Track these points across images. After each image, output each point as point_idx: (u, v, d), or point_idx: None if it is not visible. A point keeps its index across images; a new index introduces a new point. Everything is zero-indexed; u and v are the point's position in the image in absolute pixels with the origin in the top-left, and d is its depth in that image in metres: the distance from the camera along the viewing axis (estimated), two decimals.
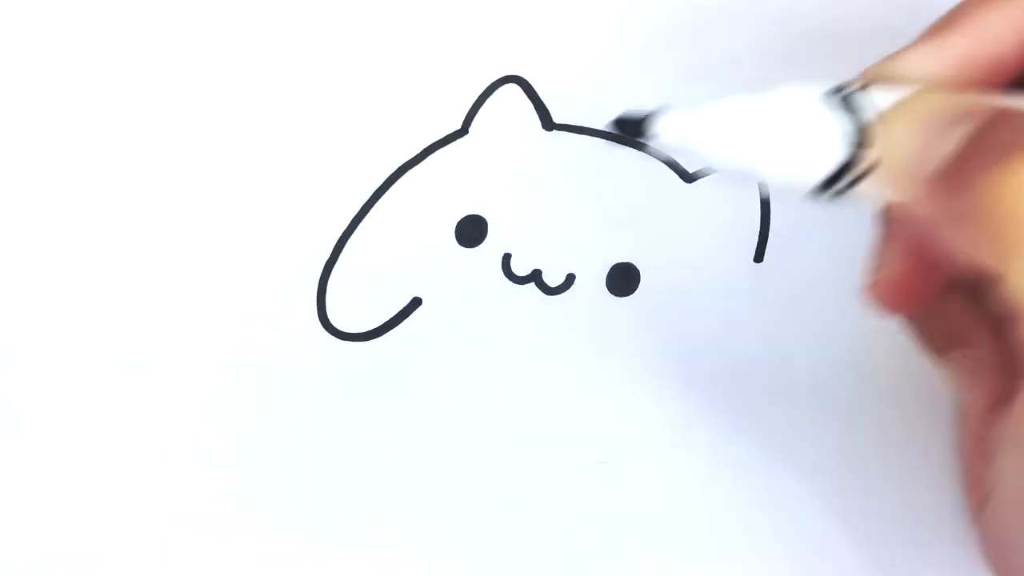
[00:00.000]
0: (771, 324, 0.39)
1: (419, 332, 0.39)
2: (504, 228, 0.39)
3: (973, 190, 0.26)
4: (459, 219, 0.39)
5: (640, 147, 0.39)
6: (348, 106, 0.39)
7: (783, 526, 0.38)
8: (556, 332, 0.39)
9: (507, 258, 0.39)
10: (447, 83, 0.39)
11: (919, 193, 0.27)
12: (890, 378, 0.39)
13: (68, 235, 0.39)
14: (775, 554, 0.38)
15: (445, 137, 0.39)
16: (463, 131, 0.39)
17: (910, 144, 0.27)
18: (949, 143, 0.27)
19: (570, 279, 0.39)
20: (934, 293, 0.31)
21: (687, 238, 0.39)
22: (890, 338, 0.39)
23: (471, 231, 0.39)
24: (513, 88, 0.39)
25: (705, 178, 0.39)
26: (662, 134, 0.29)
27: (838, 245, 0.39)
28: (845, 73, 0.30)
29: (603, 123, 0.39)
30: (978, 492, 0.35)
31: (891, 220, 0.31)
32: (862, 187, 0.28)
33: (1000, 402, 0.32)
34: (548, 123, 0.39)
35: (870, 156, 0.28)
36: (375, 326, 0.39)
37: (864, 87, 0.29)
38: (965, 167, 0.27)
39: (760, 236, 0.39)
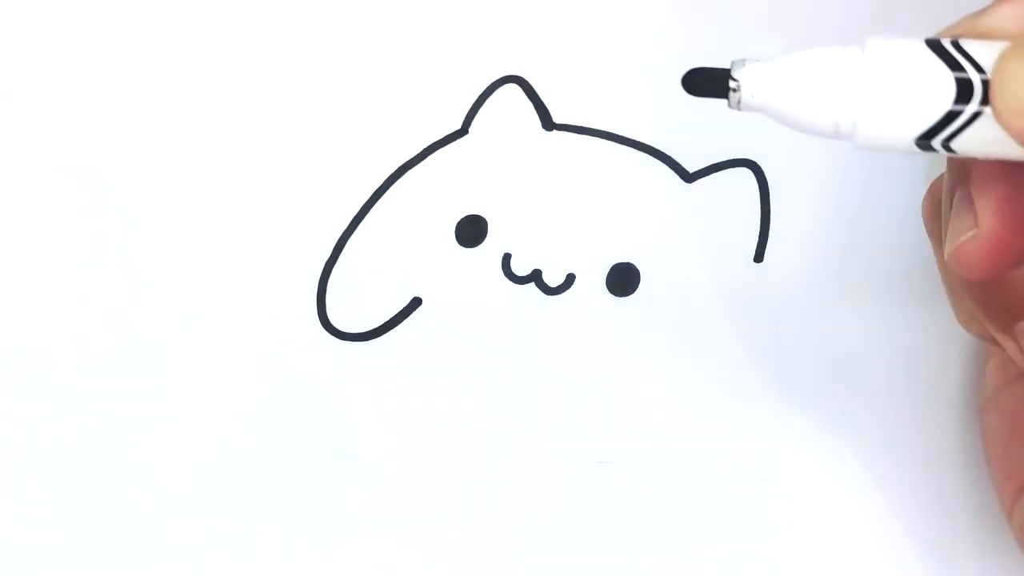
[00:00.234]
0: (771, 324, 0.39)
1: (419, 332, 0.39)
2: (504, 228, 0.39)
3: None
4: (459, 219, 0.39)
5: (639, 146, 0.39)
6: (348, 106, 0.39)
7: (783, 526, 0.38)
8: (556, 332, 0.39)
9: (507, 258, 0.39)
10: (447, 83, 0.40)
11: None
12: (890, 377, 0.39)
13: (68, 235, 0.39)
14: (776, 554, 0.38)
15: (445, 137, 0.39)
16: (463, 131, 0.39)
17: None
18: None
19: (570, 279, 0.39)
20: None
21: (687, 238, 0.39)
22: (890, 338, 0.39)
23: (471, 231, 0.39)
24: (513, 88, 0.40)
25: (705, 178, 0.39)
26: (743, 88, 0.28)
27: (838, 245, 0.39)
28: None
29: (603, 123, 0.39)
30: (1013, 483, 0.36)
31: (984, 177, 0.29)
32: (964, 138, 0.28)
33: None
34: (548, 123, 0.40)
35: (974, 105, 0.27)
36: (375, 326, 0.39)
37: (955, 40, 0.28)
38: None
39: (760, 236, 0.39)
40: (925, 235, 0.34)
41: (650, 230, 0.39)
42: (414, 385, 0.39)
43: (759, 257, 0.39)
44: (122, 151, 0.39)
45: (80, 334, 0.39)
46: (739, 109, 0.29)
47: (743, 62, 0.28)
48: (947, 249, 0.30)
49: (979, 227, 0.29)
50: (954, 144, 0.27)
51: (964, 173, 0.29)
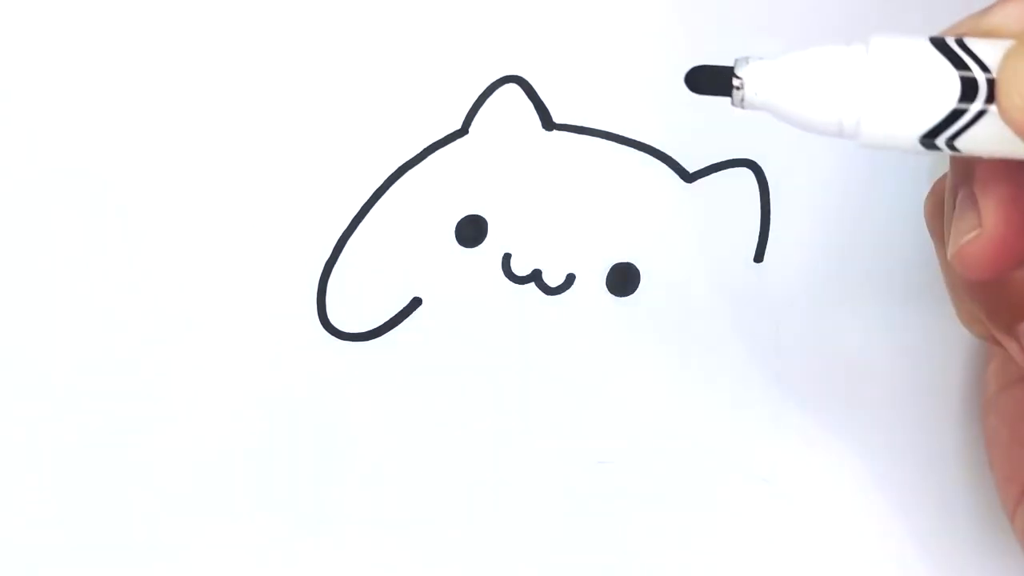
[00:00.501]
0: (771, 324, 0.39)
1: (419, 332, 0.39)
2: (504, 228, 0.39)
3: None
4: (459, 219, 0.39)
5: (639, 146, 0.39)
6: (348, 106, 0.39)
7: (783, 526, 0.38)
8: (556, 332, 0.39)
9: (507, 258, 0.39)
10: (447, 83, 0.40)
11: None
12: (891, 378, 0.39)
13: (68, 235, 0.39)
14: (776, 554, 0.38)
15: (445, 137, 0.39)
16: (463, 131, 0.40)
17: None
18: None
19: (570, 279, 0.39)
20: None
21: (687, 238, 0.39)
22: (891, 338, 0.39)
23: (471, 231, 0.39)
24: (513, 88, 0.40)
25: (705, 178, 0.39)
26: (747, 86, 0.28)
27: (838, 245, 0.39)
28: None
29: (603, 123, 0.39)
30: (1016, 485, 0.36)
31: (987, 176, 0.29)
32: (968, 136, 0.28)
33: None
34: (548, 123, 0.40)
35: (979, 104, 0.27)
36: (375, 326, 0.39)
37: (960, 38, 0.28)
38: None
39: (760, 236, 0.39)
40: (926, 235, 0.34)
41: (650, 230, 0.39)
42: (414, 385, 0.39)
43: (759, 257, 0.39)
44: (122, 151, 0.39)
45: (80, 334, 0.39)
46: (742, 107, 0.29)
47: (747, 60, 0.28)
48: (950, 249, 0.30)
49: (982, 227, 0.29)
50: (958, 143, 0.27)
51: (967, 173, 0.30)
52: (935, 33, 0.28)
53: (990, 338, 0.33)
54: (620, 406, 0.39)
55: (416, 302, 0.39)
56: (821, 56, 0.28)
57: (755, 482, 0.39)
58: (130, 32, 0.40)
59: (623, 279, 0.39)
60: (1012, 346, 0.32)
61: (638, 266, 0.39)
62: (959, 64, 0.27)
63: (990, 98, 0.27)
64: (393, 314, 0.39)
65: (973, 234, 0.29)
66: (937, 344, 0.39)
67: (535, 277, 0.39)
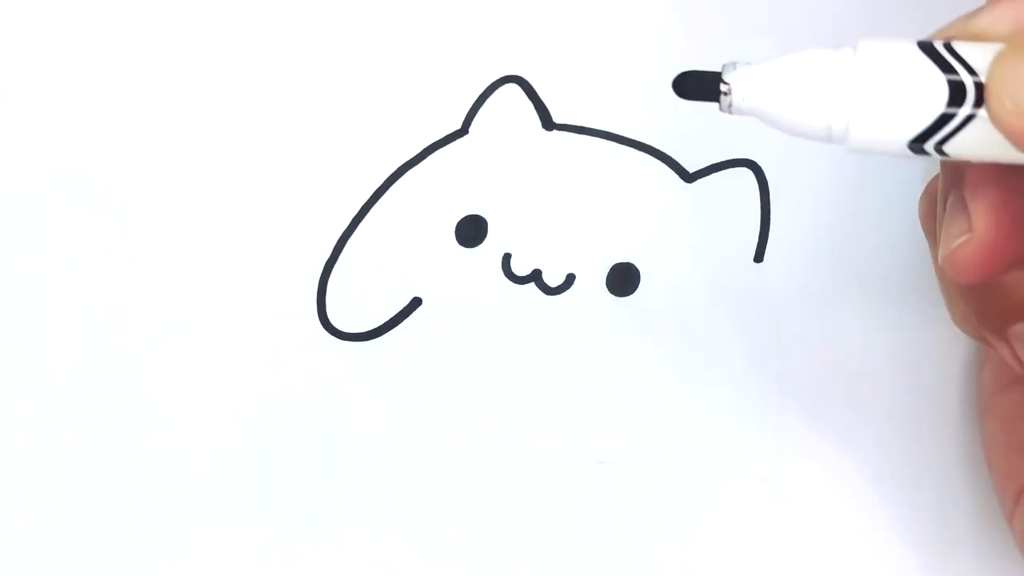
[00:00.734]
0: (771, 324, 0.39)
1: (419, 332, 0.39)
2: (504, 228, 0.39)
3: None
4: (459, 219, 0.39)
5: (639, 146, 0.39)
6: (348, 106, 0.40)
7: (784, 526, 0.39)
8: (556, 332, 0.39)
9: (507, 258, 0.39)
10: (447, 83, 0.40)
11: None
12: (891, 377, 0.39)
13: (68, 235, 0.39)
14: (776, 554, 0.38)
15: (445, 137, 0.40)
16: (463, 131, 0.40)
17: None
18: None
19: (570, 279, 0.39)
20: (1019, 258, 0.30)
21: (687, 238, 0.39)
22: (890, 337, 0.39)
23: (471, 231, 0.39)
24: (513, 88, 0.40)
25: (705, 178, 0.39)
26: (735, 91, 0.28)
27: (838, 245, 0.39)
28: None
29: (603, 123, 0.39)
30: (1013, 488, 0.36)
31: (977, 181, 0.29)
32: (957, 141, 0.28)
33: None
34: (548, 123, 0.40)
35: (967, 108, 0.27)
36: (375, 326, 0.39)
37: (948, 42, 0.28)
38: None
39: (760, 236, 0.39)
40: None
41: (650, 230, 0.39)
42: (414, 385, 0.39)
43: (759, 257, 0.39)
44: (122, 151, 0.40)
45: (80, 334, 0.39)
46: (730, 112, 0.29)
47: (734, 65, 0.28)
48: (940, 253, 0.30)
49: (972, 231, 0.29)
50: (947, 148, 0.27)
51: (957, 176, 0.30)
52: (929, 35, 0.28)
53: (983, 338, 0.33)
54: (620, 406, 0.39)
55: (416, 302, 0.39)
56: (809, 61, 0.28)
57: (755, 482, 0.39)
58: (130, 32, 0.40)
59: (623, 279, 0.39)
60: (1003, 348, 0.32)
61: (638, 266, 0.39)
62: (947, 68, 0.27)
63: (978, 102, 0.27)
64: (393, 314, 0.39)
65: (963, 238, 0.29)
66: (937, 344, 0.39)
67: (535, 277, 0.39)
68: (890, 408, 0.39)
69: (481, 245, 0.39)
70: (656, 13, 0.40)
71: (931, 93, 0.27)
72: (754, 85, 0.28)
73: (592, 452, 0.39)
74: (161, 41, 0.40)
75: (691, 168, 0.39)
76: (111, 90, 0.40)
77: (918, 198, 0.34)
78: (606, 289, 0.39)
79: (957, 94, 0.27)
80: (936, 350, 0.39)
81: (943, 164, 0.30)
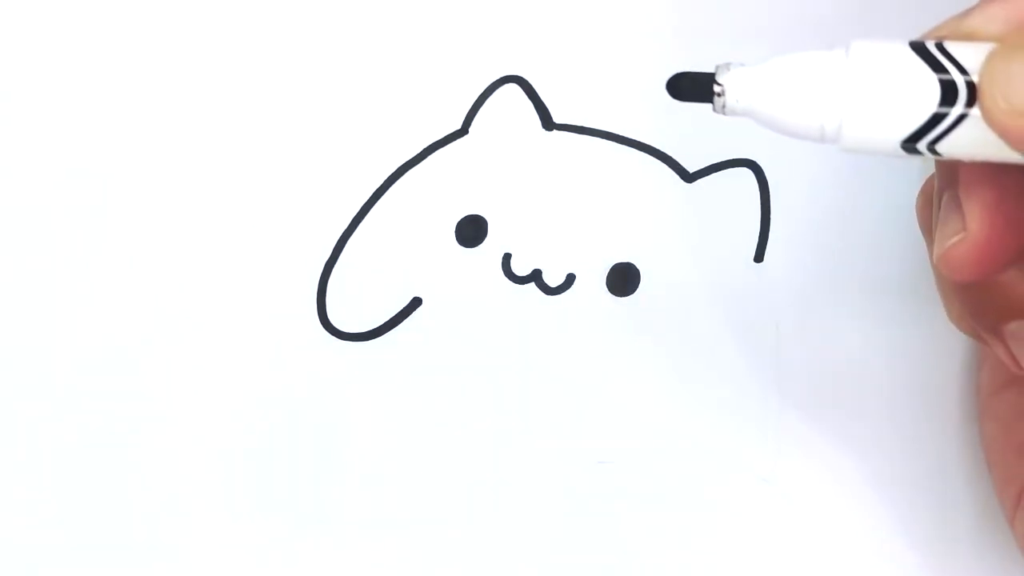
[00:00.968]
0: (771, 324, 0.39)
1: (419, 332, 0.39)
2: (504, 228, 0.39)
3: None
4: (459, 219, 0.40)
5: (639, 146, 0.40)
6: (348, 106, 0.40)
7: (784, 526, 0.39)
8: (556, 332, 0.39)
9: (507, 258, 0.39)
10: (447, 83, 0.40)
11: None
12: (891, 377, 0.39)
13: (68, 235, 0.39)
14: (776, 554, 0.39)
15: (445, 137, 0.40)
16: (463, 131, 0.40)
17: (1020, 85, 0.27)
18: None
19: (570, 279, 0.39)
20: (1013, 257, 0.30)
21: (687, 238, 0.39)
22: (890, 337, 0.39)
23: (471, 231, 0.40)
24: (513, 88, 0.40)
25: (705, 178, 0.39)
26: (728, 92, 0.29)
27: (839, 245, 0.39)
28: None
29: (603, 123, 0.39)
30: (1013, 489, 0.36)
31: (971, 180, 0.29)
32: (949, 140, 0.28)
33: None
34: (548, 123, 0.40)
35: (959, 108, 0.27)
36: (375, 326, 0.39)
37: (940, 42, 0.28)
38: None
39: (760, 236, 0.39)
40: None
41: (650, 230, 0.39)
42: (414, 385, 0.39)
43: (759, 257, 0.39)
44: (122, 151, 0.40)
45: (80, 334, 0.39)
46: (724, 114, 0.29)
47: (728, 66, 0.29)
48: (935, 252, 0.30)
49: (966, 230, 0.29)
50: (939, 147, 0.28)
51: (952, 176, 0.30)
52: (922, 35, 0.28)
53: (978, 337, 0.33)
54: (620, 406, 0.39)
55: (416, 302, 0.39)
56: (801, 62, 0.28)
57: (755, 482, 0.39)
58: (130, 32, 0.40)
59: (623, 279, 0.39)
60: (998, 347, 0.32)
61: (638, 266, 0.39)
62: (939, 68, 0.27)
63: (970, 102, 0.27)
64: (393, 314, 0.39)
65: (957, 238, 0.29)
66: (937, 344, 0.39)
67: (535, 277, 0.39)
68: (890, 408, 0.39)
69: (481, 245, 0.39)
70: (656, 13, 0.40)
71: (923, 93, 0.27)
72: (747, 86, 0.28)
73: (592, 452, 0.39)
74: (161, 41, 0.40)
75: (691, 168, 0.40)
76: (111, 90, 0.40)
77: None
78: (606, 289, 0.39)
79: (949, 94, 0.27)
80: (936, 350, 0.39)
81: (938, 164, 0.31)
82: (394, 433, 0.39)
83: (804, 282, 0.39)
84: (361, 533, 0.39)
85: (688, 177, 0.40)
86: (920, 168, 0.38)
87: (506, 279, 0.39)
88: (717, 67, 0.29)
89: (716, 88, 0.29)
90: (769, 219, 0.39)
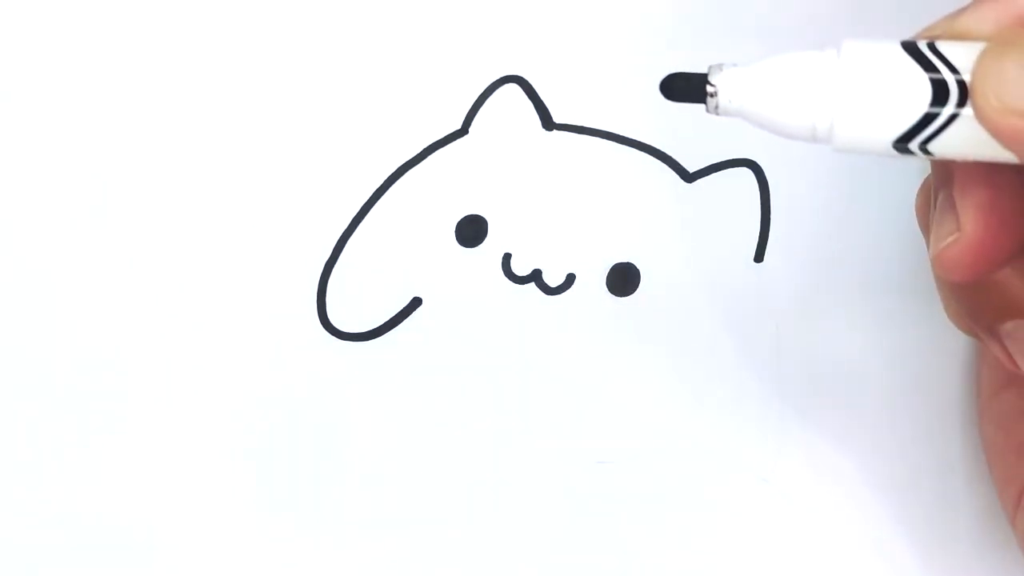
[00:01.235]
0: (771, 324, 0.39)
1: (419, 332, 0.39)
2: (504, 228, 0.40)
3: None
4: (459, 219, 0.40)
5: (639, 146, 0.40)
6: (348, 106, 0.40)
7: (784, 526, 0.39)
8: (556, 332, 0.39)
9: (507, 258, 0.40)
10: (447, 83, 0.40)
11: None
12: (891, 377, 0.39)
13: (68, 235, 0.39)
14: (776, 554, 0.39)
15: (445, 137, 0.40)
16: (463, 131, 0.40)
17: (1017, 81, 0.27)
18: None
19: (570, 279, 0.39)
20: (1008, 257, 0.30)
21: (687, 238, 0.39)
22: (890, 337, 0.39)
23: (471, 231, 0.40)
24: (513, 88, 0.40)
25: (705, 178, 0.40)
26: (721, 93, 0.29)
27: (838, 245, 0.39)
28: None
29: (603, 123, 0.40)
30: (1014, 489, 0.36)
31: (965, 180, 0.30)
32: (941, 140, 0.28)
33: None
34: (548, 123, 0.40)
35: (951, 107, 0.27)
36: (375, 326, 0.39)
37: (932, 42, 0.28)
38: None
39: (760, 236, 0.40)
40: None
41: (650, 230, 0.40)
42: (414, 385, 0.39)
43: (759, 257, 0.40)
44: (122, 151, 0.40)
45: (80, 334, 0.39)
46: (716, 114, 0.29)
47: (720, 67, 0.29)
48: (931, 252, 0.30)
49: (961, 230, 0.29)
50: (931, 147, 0.28)
51: (947, 176, 0.30)
52: (914, 34, 0.28)
53: (976, 335, 0.33)
54: (620, 406, 0.39)
55: (416, 302, 0.39)
56: (793, 62, 0.28)
57: (755, 482, 0.39)
58: (130, 32, 0.40)
59: (623, 279, 0.40)
60: (994, 346, 0.32)
61: (638, 266, 0.39)
62: (930, 68, 0.28)
63: (962, 101, 0.27)
64: (393, 314, 0.39)
65: (952, 238, 0.29)
66: (937, 343, 0.39)
67: (535, 277, 0.40)
68: (890, 408, 0.39)
69: (481, 245, 0.40)
70: (656, 13, 0.40)
71: (914, 93, 0.28)
72: (740, 86, 0.29)
73: (592, 452, 0.39)
74: (161, 41, 0.40)
75: (691, 168, 0.40)
76: (111, 90, 0.40)
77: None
78: (606, 289, 0.39)
79: (940, 93, 0.27)
80: (936, 349, 0.39)
81: (933, 164, 0.31)
82: (394, 433, 0.39)
83: (804, 282, 0.39)
84: (361, 533, 0.39)
85: (688, 177, 0.40)
86: (920, 167, 0.38)
87: (506, 279, 0.40)
88: (710, 67, 0.29)
89: (709, 89, 0.29)
90: (769, 219, 0.40)
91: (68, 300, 0.39)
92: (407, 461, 0.39)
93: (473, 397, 0.39)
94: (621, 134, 0.40)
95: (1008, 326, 0.32)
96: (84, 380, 0.39)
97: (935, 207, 0.31)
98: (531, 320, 0.39)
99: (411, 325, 0.39)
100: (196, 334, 0.39)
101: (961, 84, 0.27)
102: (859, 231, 0.40)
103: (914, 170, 0.38)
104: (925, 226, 0.34)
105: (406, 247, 0.40)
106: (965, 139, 0.28)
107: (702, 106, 0.30)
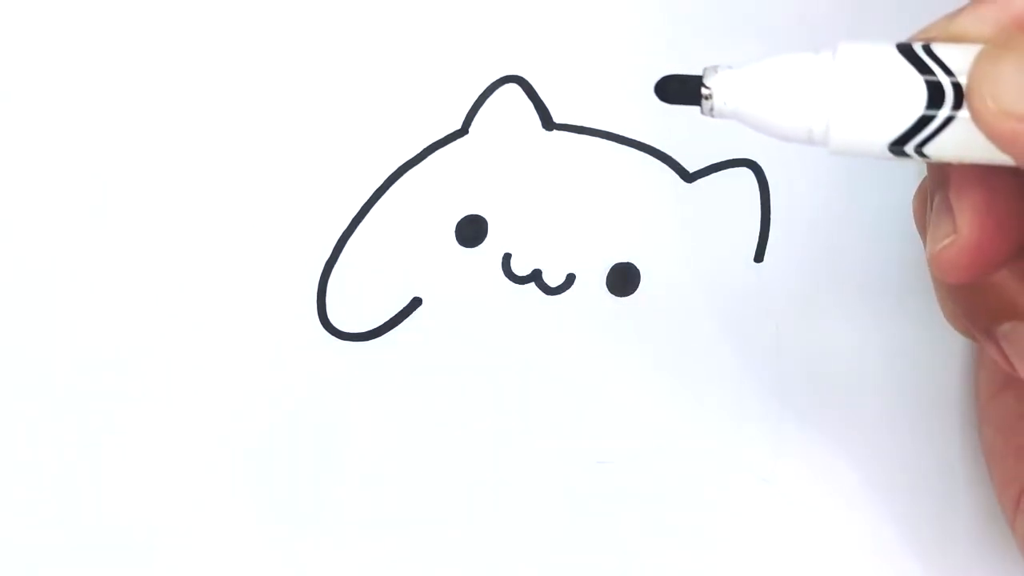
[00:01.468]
0: (771, 324, 0.39)
1: (419, 332, 0.39)
2: (504, 228, 0.40)
3: None
4: (459, 219, 0.40)
5: (639, 146, 0.40)
6: (348, 106, 0.40)
7: (784, 526, 0.39)
8: (556, 332, 0.39)
9: (507, 258, 0.40)
10: (447, 83, 0.40)
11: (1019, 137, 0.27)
12: (890, 377, 0.39)
13: (68, 235, 0.39)
14: (776, 554, 0.39)
15: (445, 137, 0.40)
16: (463, 131, 0.40)
17: (1014, 84, 0.27)
18: None
19: (570, 279, 0.40)
20: (1004, 259, 0.30)
21: (687, 238, 0.40)
22: (890, 337, 0.39)
23: (471, 231, 0.40)
24: (513, 88, 0.40)
25: (705, 178, 0.40)
26: (716, 95, 0.29)
27: (838, 245, 0.39)
28: None
29: (603, 123, 0.40)
30: (1013, 492, 0.36)
31: (961, 182, 0.30)
32: (937, 143, 0.28)
33: None
34: (548, 123, 0.40)
35: (947, 110, 0.27)
36: (375, 326, 0.39)
37: (927, 44, 0.28)
38: None
39: (760, 236, 0.40)
40: None
41: (650, 230, 0.40)
42: (414, 385, 0.39)
43: (759, 257, 0.40)
44: (122, 151, 0.40)
45: (80, 334, 0.39)
46: (712, 116, 0.29)
47: (715, 68, 0.29)
48: (927, 254, 0.30)
49: (957, 233, 0.29)
50: (927, 149, 0.28)
51: (943, 178, 0.30)
52: (911, 36, 0.29)
53: (973, 337, 0.33)
54: (620, 406, 0.39)
55: (416, 302, 0.40)
56: (788, 64, 0.28)
57: (755, 482, 0.39)
58: (130, 32, 0.40)
59: (623, 279, 0.40)
60: (991, 348, 0.32)
61: (638, 266, 0.40)
62: (925, 70, 0.28)
63: (957, 104, 0.27)
64: (393, 314, 0.39)
65: (948, 240, 0.30)
66: (937, 344, 0.39)
67: (535, 277, 0.40)
68: (890, 408, 0.39)
69: (481, 245, 0.40)
70: (656, 13, 0.40)
71: (910, 96, 0.28)
72: (735, 88, 0.29)
73: (592, 452, 0.39)
74: (161, 41, 0.40)
75: (691, 168, 0.40)
76: (111, 90, 0.40)
77: None
78: (606, 289, 0.40)
79: (936, 96, 0.27)
80: (936, 350, 0.39)
81: (929, 166, 0.31)
82: (394, 433, 0.39)
83: (803, 282, 0.39)
84: (361, 533, 0.39)
85: (688, 177, 0.40)
86: (919, 168, 0.38)
87: (506, 279, 0.40)
88: (705, 69, 0.29)
89: (704, 91, 0.29)
90: (769, 219, 0.40)
91: (68, 300, 0.39)
92: (407, 461, 0.39)
93: (473, 397, 0.39)
94: (621, 134, 0.40)
95: (1005, 328, 0.32)
96: (84, 380, 0.39)
97: (931, 209, 0.31)
98: (531, 320, 0.39)
99: (411, 325, 0.39)
100: (196, 334, 0.39)
101: (957, 87, 0.27)
102: (859, 231, 0.40)
103: (913, 170, 0.38)
104: (922, 228, 0.34)
105: (406, 247, 0.40)
106: (961, 142, 0.28)
107: (696, 108, 0.30)
